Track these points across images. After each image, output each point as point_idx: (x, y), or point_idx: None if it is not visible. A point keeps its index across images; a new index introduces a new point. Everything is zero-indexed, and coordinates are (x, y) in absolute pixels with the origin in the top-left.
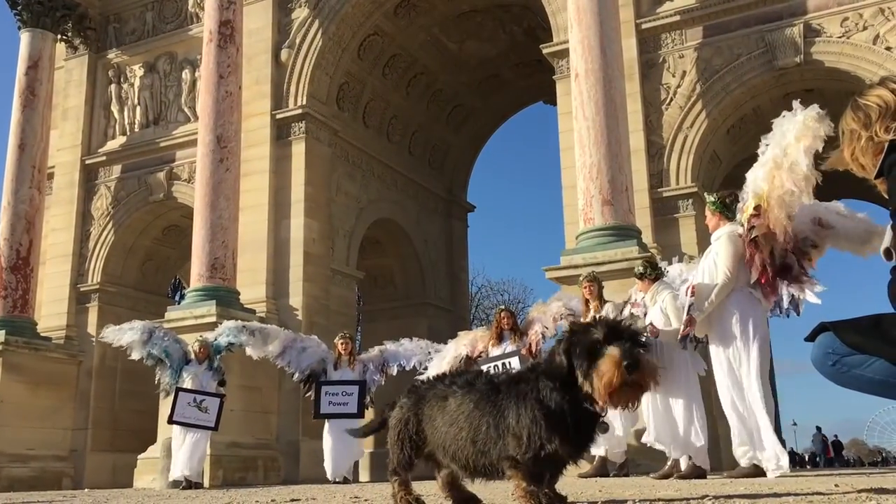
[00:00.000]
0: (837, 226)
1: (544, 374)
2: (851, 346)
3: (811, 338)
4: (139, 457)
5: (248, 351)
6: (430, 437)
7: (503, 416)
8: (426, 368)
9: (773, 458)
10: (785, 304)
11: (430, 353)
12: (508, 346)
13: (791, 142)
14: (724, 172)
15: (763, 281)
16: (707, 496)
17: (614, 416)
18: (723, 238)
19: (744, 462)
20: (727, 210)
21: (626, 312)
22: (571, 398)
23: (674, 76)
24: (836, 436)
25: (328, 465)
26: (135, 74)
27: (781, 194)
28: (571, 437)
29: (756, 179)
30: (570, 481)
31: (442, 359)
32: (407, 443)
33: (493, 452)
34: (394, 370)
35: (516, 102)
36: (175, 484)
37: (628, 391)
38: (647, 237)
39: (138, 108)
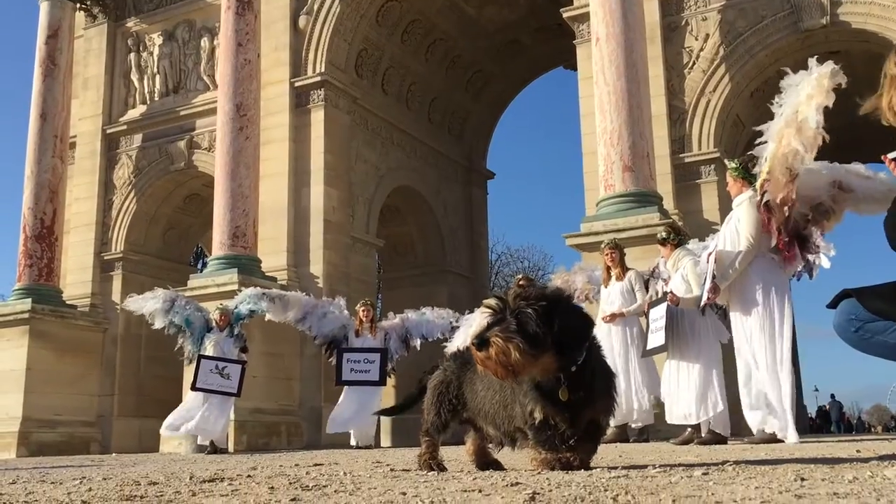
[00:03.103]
0: (858, 188)
1: None
2: (875, 312)
3: (833, 304)
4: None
5: (269, 317)
6: (470, 401)
7: (514, 385)
8: (449, 339)
9: (786, 427)
10: (799, 267)
11: (451, 323)
12: None
13: (803, 100)
14: (748, 137)
15: (781, 246)
16: (727, 462)
17: (630, 386)
18: (744, 204)
19: (762, 428)
20: (749, 175)
21: (656, 287)
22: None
23: (696, 39)
24: (823, 406)
25: (334, 422)
26: (154, 43)
27: (786, 153)
28: (559, 403)
29: (768, 139)
30: None
31: (469, 328)
32: (445, 405)
33: (519, 418)
34: (417, 343)
35: (536, 68)
36: (199, 448)
37: (490, 364)
38: (669, 203)
39: (158, 77)
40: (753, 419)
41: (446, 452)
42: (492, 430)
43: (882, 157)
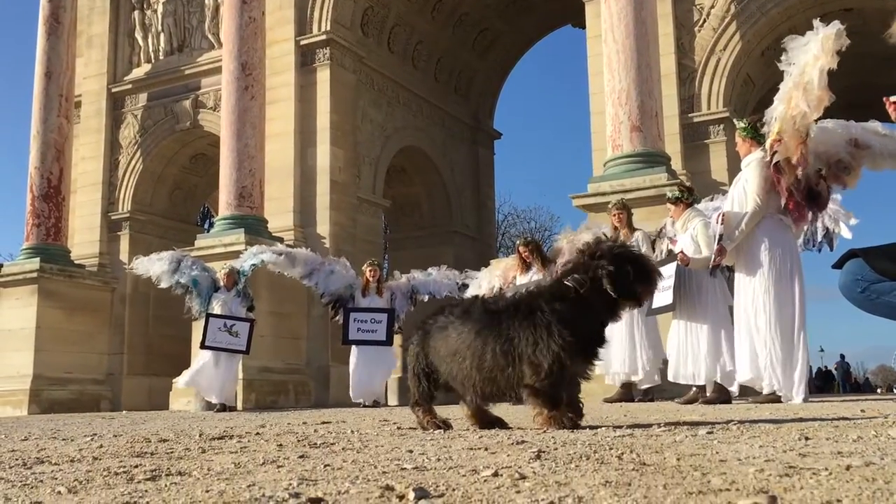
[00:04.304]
0: (875, 145)
1: (556, 297)
2: (881, 272)
3: (839, 265)
4: (174, 380)
5: (272, 267)
6: (440, 367)
7: (511, 343)
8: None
9: (798, 386)
10: (819, 237)
11: (458, 283)
12: (535, 275)
13: (809, 61)
14: (758, 96)
15: (791, 207)
16: (732, 421)
17: (641, 347)
18: (752, 164)
19: (765, 388)
20: (758, 135)
21: (663, 247)
22: (591, 316)
23: None
24: (826, 367)
25: (353, 388)
26: (158, 0)
27: (794, 115)
28: (590, 354)
29: (777, 101)
30: (594, 406)
31: (477, 288)
32: (423, 377)
33: (501, 379)
34: (425, 298)
35: (544, 26)
36: (208, 406)
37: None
38: (677, 164)
39: (162, 35)
40: (741, 377)
41: (452, 411)
42: (466, 392)
43: (884, 99)
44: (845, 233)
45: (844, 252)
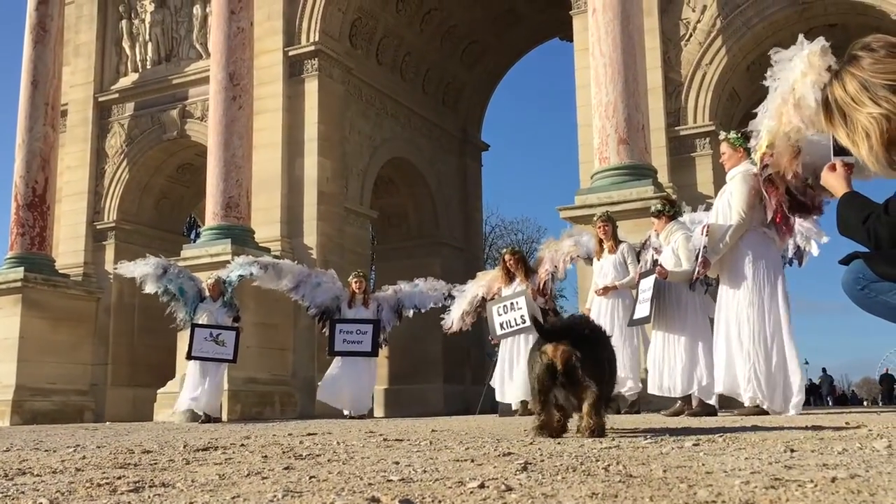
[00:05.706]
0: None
1: None
2: (880, 274)
3: (846, 261)
4: (158, 391)
5: (258, 283)
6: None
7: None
8: (446, 308)
9: (794, 398)
10: (790, 253)
11: (444, 294)
12: (518, 286)
13: (797, 77)
14: (743, 110)
15: (778, 220)
16: (718, 433)
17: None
18: (737, 178)
19: (747, 401)
20: (749, 146)
21: (647, 258)
22: None
23: (694, 11)
24: (810, 380)
25: (324, 389)
26: (145, 10)
27: (787, 131)
28: None
29: (765, 116)
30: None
31: (463, 299)
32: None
33: None
34: (409, 313)
35: (532, 39)
36: (193, 417)
37: None
38: (663, 177)
39: (150, 45)
40: (716, 389)
41: (449, 423)
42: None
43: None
44: (814, 250)
45: (850, 252)
